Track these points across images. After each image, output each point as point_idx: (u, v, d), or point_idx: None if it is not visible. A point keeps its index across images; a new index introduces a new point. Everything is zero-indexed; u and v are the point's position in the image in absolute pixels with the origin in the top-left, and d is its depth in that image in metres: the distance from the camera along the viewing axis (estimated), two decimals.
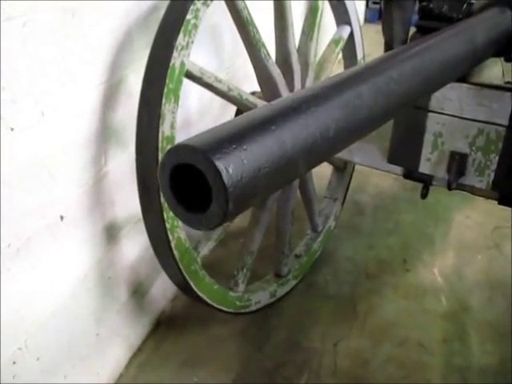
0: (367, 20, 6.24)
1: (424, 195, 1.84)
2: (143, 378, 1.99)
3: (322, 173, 2.65)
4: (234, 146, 0.56)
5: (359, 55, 2.52)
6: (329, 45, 2.36)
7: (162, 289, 2.24)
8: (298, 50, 2.11)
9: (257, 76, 1.94)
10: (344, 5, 2.33)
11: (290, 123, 0.64)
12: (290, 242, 2.30)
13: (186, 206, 0.60)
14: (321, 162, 0.75)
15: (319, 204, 2.63)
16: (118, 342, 1.97)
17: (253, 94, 2.09)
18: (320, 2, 2.14)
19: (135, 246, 1.96)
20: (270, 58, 1.89)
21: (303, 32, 2.14)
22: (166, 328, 2.22)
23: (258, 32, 1.83)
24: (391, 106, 0.85)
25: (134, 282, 2.01)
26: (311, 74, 2.11)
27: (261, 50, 1.85)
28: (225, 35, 2.48)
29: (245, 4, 1.76)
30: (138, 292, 2.06)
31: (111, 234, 1.82)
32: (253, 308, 2.17)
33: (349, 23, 2.40)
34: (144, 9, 1.77)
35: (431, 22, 1.54)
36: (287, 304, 2.34)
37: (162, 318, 2.26)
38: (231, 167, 0.55)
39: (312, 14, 2.13)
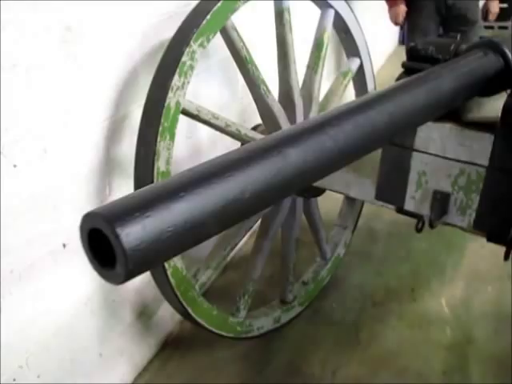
0: (401, 42, 6.24)
1: (419, 230, 1.87)
2: None
3: (335, 199, 2.70)
4: (137, 214, 0.64)
5: (370, 86, 2.57)
6: (337, 77, 2.42)
7: (170, 311, 2.31)
8: (303, 84, 2.19)
9: (258, 111, 2.02)
10: (352, 38, 2.39)
11: (201, 189, 0.71)
12: (294, 269, 2.36)
13: (101, 263, 0.68)
14: (236, 222, 0.81)
15: (329, 231, 2.68)
16: (123, 361, 2.06)
17: (257, 126, 2.18)
18: (325, 37, 2.21)
19: None
20: (269, 93, 1.97)
21: (308, 66, 2.21)
22: (172, 349, 2.31)
23: (257, 69, 1.92)
24: (324, 163, 0.89)
25: (139, 305, 2.11)
26: (315, 108, 2.17)
27: (260, 87, 1.93)
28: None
29: (243, 43, 1.85)
30: (145, 314, 2.16)
31: None
32: (255, 333, 2.23)
33: (358, 55, 2.45)
34: (149, 48, 1.88)
35: (417, 63, 1.58)
36: (291, 329, 2.39)
37: (169, 339, 2.35)
38: (131, 233, 0.63)
39: (317, 48, 2.21)
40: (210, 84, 2.39)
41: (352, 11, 2.33)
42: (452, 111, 1.60)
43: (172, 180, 0.72)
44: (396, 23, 3.55)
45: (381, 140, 1.04)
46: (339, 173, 1.92)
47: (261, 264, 2.18)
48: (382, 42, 4.50)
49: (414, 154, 1.59)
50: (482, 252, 2.80)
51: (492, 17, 3.66)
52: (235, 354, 2.27)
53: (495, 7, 3.69)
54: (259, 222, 2.20)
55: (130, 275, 0.65)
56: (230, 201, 0.74)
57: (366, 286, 2.63)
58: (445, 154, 1.54)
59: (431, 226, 1.57)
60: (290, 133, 0.88)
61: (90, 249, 0.67)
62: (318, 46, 2.20)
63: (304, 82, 2.19)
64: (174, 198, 0.68)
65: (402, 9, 3.46)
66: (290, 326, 2.40)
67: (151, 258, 0.66)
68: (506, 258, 1.75)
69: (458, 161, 1.52)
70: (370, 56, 2.52)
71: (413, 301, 2.52)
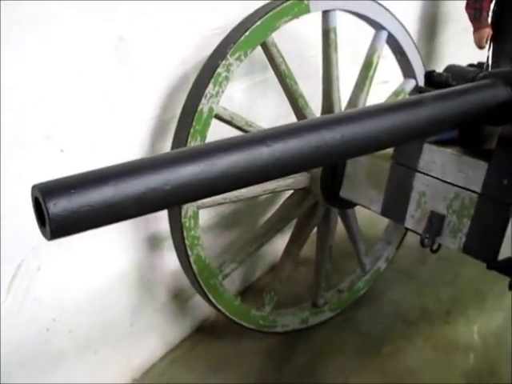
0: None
1: (434, 250, 1.91)
2: (172, 372, 2.30)
3: None
4: (65, 189, 0.84)
5: None
6: (389, 96, 2.49)
7: None
8: (349, 101, 2.30)
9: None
10: (407, 59, 2.45)
11: (126, 176, 0.89)
12: (326, 275, 2.47)
13: (42, 223, 0.88)
14: (157, 209, 0.96)
15: (374, 245, 2.75)
16: (154, 335, 2.30)
17: None
18: (375, 58, 2.30)
19: None
20: (307, 106, 2.11)
21: (356, 84, 2.31)
22: (204, 333, 2.51)
23: (295, 83, 2.07)
24: (254, 171, 1.02)
25: (175, 287, 2.34)
26: None
27: (298, 100, 2.09)
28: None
29: (282, 59, 2.01)
30: (180, 296, 2.38)
31: (154, 243, 2.17)
32: (279, 329, 2.37)
33: (414, 77, 2.50)
34: (201, 57, 2.08)
35: (429, 89, 1.65)
36: (317, 333, 2.50)
37: (204, 323, 2.56)
38: (58, 203, 0.83)
39: (366, 67, 2.30)
40: (266, 95, 2.57)
41: (407, 32, 2.39)
42: (465, 137, 1.66)
43: (108, 167, 0.92)
44: (480, 47, 3.49)
45: (327, 158, 1.13)
46: (365, 188, 2.03)
47: (289, 266, 2.32)
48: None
49: (417, 174, 1.66)
50: None
51: None
52: (259, 348, 2.42)
53: None
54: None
55: (54, 234, 0.85)
56: (151, 190, 0.91)
57: (402, 304, 2.66)
58: (444, 178, 1.60)
59: (422, 244, 1.63)
60: (229, 141, 1.03)
61: (37, 211, 0.88)
62: (366, 65, 2.30)
63: (350, 99, 2.30)
64: (99, 180, 0.87)
65: (487, 32, 3.41)
66: (318, 329, 2.51)
67: (71, 224, 0.85)
68: (511, 288, 1.76)
69: (455, 185, 1.57)
70: None
71: (445, 324, 2.52)
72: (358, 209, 2.34)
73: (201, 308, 2.52)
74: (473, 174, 1.52)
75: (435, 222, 1.61)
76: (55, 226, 0.84)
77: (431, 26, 4.00)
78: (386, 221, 2.76)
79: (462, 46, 4.16)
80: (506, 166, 1.45)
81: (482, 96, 1.47)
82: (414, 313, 2.60)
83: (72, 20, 1.64)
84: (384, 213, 1.79)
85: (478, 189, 1.51)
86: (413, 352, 2.36)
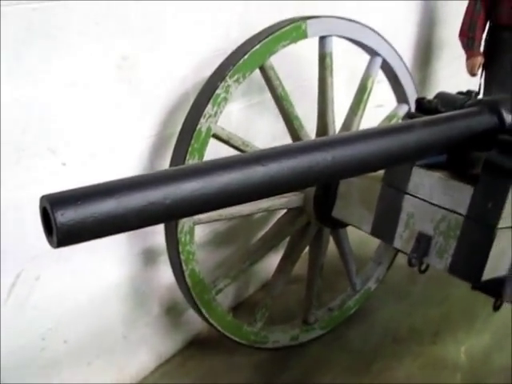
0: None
1: (422, 271, 1.96)
2: None
3: None
4: (72, 201, 0.90)
5: None
6: (383, 120, 2.56)
7: None
8: (343, 124, 2.37)
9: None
10: (400, 84, 2.53)
11: (128, 190, 0.95)
12: (317, 293, 2.51)
13: (49, 231, 0.94)
14: (157, 222, 1.02)
15: (365, 265, 2.80)
16: (146, 349, 2.33)
17: None
18: (369, 82, 2.38)
19: None
20: (302, 128, 2.18)
21: (350, 107, 2.38)
22: (196, 348, 2.54)
23: (291, 105, 2.14)
24: (248, 189, 1.08)
25: (169, 301, 2.38)
26: None
27: (293, 122, 2.16)
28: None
29: (279, 82, 2.08)
30: (174, 310, 2.42)
31: (149, 257, 2.22)
32: (269, 345, 2.41)
33: (406, 102, 2.58)
34: (201, 78, 2.15)
35: (419, 115, 1.72)
36: (309, 349, 2.54)
37: (196, 338, 2.58)
38: (65, 213, 0.89)
39: (361, 92, 2.38)
40: (263, 116, 2.64)
41: (401, 59, 2.47)
42: (453, 161, 1.73)
43: (112, 181, 0.97)
44: (472, 74, 3.59)
45: (318, 178, 1.20)
46: (356, 208, 2.08)
47: (281, 284, 2.37)
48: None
49: (406, 196, 1.73)
50: None
51: None
52: (250, 362, 2.45)
53: None
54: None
55: (60, 243, 0.90)
56: (152, 203, 0.97)
57: (392, 323, 2.70)
58: (431, 200, 1.66)
59: (409, 264, 1.69)
60: (227, 159, 1.10)
61: (44, 220, 0.93)
62: (361, 90, 2.37)
63: (344, 121, 2.37)
64: (103, 193, 0.93)
65: (479, 60, 3.51)
66: (309, 346, 2.55)
67: (77, 233, 0.91)
68: (495, 308, 1.82)
69: (442, 207, 1.63)
70: None
71: (433, 344, 2.56)
72: (349, 228, 2.40)
73: (193, 323, 2.56)
74: (459, 196, 1.59)
75: (423, 243, 1.67)
76: (62, 235, 0.90)
77: (426, 51, 4.10)
78: (377, 241, 2.82)
79: (457, 72, 4.26)
80: (490, 189, 1.52)
81: (468, 123, 1.54)
82: (402, 332, 2.65)
83: (78, 38, 1.71)
84: (374, 233, 1.85)
85: (464, 211, 1.58)
86: (401, 370, 2.40)
